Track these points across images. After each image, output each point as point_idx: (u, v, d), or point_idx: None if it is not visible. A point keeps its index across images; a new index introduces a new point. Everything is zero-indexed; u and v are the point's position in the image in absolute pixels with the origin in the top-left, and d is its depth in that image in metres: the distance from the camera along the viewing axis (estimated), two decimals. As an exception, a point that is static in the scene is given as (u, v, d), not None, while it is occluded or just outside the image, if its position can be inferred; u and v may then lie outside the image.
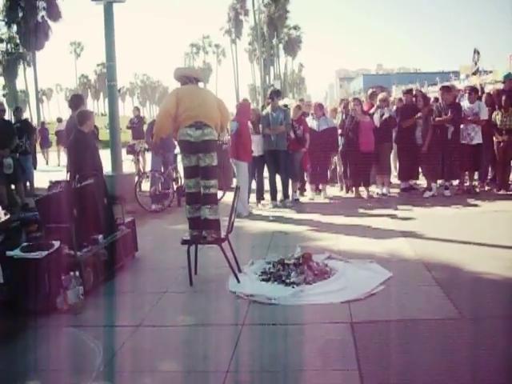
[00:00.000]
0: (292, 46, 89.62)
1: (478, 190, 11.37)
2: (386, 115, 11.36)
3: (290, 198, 11.13)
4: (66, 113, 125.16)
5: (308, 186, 12.08)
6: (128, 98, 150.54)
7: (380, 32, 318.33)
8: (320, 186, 11.84)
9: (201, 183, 6.46)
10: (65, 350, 4.85)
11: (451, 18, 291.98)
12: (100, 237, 6.73)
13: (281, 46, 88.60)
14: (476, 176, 11.71)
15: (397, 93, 32.63)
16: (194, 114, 6.38)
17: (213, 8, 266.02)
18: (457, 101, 11.90)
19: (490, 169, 11.72)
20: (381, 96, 11.86)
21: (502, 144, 11.05)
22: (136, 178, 11.99)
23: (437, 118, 10.93)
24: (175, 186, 11.45)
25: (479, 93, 12.32)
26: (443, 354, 4.34)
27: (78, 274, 5.78)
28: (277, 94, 11.32)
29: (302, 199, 11.48)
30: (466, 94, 11.81)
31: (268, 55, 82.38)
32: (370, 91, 12.98)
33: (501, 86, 13.27)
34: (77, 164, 7.39)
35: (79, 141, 7.55)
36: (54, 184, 7.03)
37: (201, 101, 6.54)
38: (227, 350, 4.59)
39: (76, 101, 8.76)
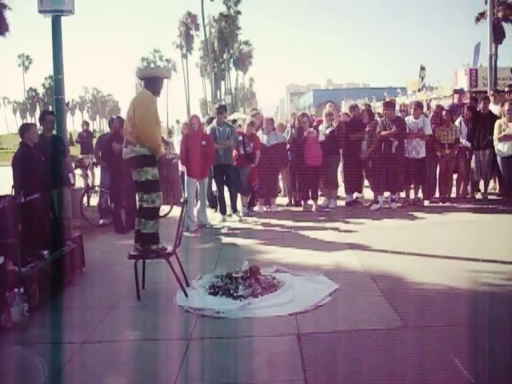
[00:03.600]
0: (243, 61, 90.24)
1: (423, 202, 11.62)
2: (330, 129, 11.52)
3: (240, 211, 11.18)
4: (13, 126, 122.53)
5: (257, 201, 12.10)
6: (78, 112, 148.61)
7: (329, 48, 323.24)
8: (269, 200, 11.89)
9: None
10: (8, 367, 4.76)
11: (399, 34, 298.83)
12: (46, 252, 6.62)
13: (232, 60, 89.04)
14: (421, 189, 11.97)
15: (346, 107, 33.16)
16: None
17: (164, 22, 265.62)
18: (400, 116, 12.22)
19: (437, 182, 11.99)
20: (326, 110, 12.05)
21: (444, 158, 11.41)
22: (82, 193, 11.82)
23: (382, 132, 11.16)
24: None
25: (425, 108, 12.67)
26: (388, 362, 4.43)
27: (22, 290, 5.68)
28: (223, 109, 11.49)
29: (250, 213, 11.51)
30: (412, 110, 12.14)
31: (219, 70, 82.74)
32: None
33: (446, 102, 13.75)
34: (21, 178, 7.32)
35: (23, 154, 7.51)
36: (-2, 199, 6.88)
37: None
38: (174, 364, 4.58)
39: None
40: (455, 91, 14.81)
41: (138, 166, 6.40)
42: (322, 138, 11.48)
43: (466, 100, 13.61)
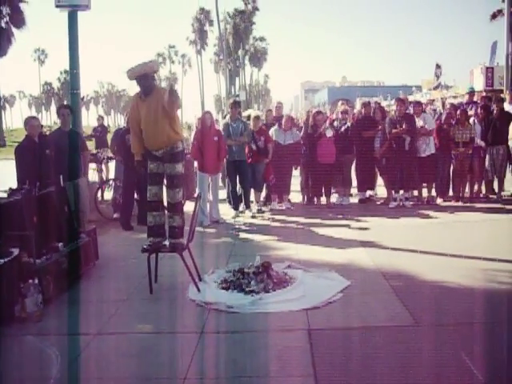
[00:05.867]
0: (258, 58, 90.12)
1: (437, 201, 11.58)
2: (344, 127, 11.53)
3: (252, 208, 11.19)
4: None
5: (270, 197, 12.10)
6: (92, 106, 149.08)
7: (345, 45, 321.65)
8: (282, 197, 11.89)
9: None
10: (21, 358, 4.82)
11: (414, 33, 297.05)
12: (60, 244, 6.70)
13: (246, 57, 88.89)
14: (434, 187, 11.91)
15: (360, 105, 32.97)
16: None
17: (178, 17, 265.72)
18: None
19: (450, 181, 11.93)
20: (341, 108, 12.04)
21: (458, 156, 11.35)
22: (97, 187, 11.92)
23: (393, 130, 11.11)
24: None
25: (440, 107, 12.64)
26: (397, 360, 4.45)
27: (37, 281, 5.75)
28: (237, 105, 11.43)
29: (264, 209, 11.54)
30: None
31: (233, 66, 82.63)
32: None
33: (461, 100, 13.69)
34: (21, 170, 7.63)
35: (24, 146, 8.10)
36: (14, 191, 6.95)
37: None
38: (185, 357, 4.62)
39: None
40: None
41: None
42: (329, 134, 11.41)
43: (479, 99, 13.51)
